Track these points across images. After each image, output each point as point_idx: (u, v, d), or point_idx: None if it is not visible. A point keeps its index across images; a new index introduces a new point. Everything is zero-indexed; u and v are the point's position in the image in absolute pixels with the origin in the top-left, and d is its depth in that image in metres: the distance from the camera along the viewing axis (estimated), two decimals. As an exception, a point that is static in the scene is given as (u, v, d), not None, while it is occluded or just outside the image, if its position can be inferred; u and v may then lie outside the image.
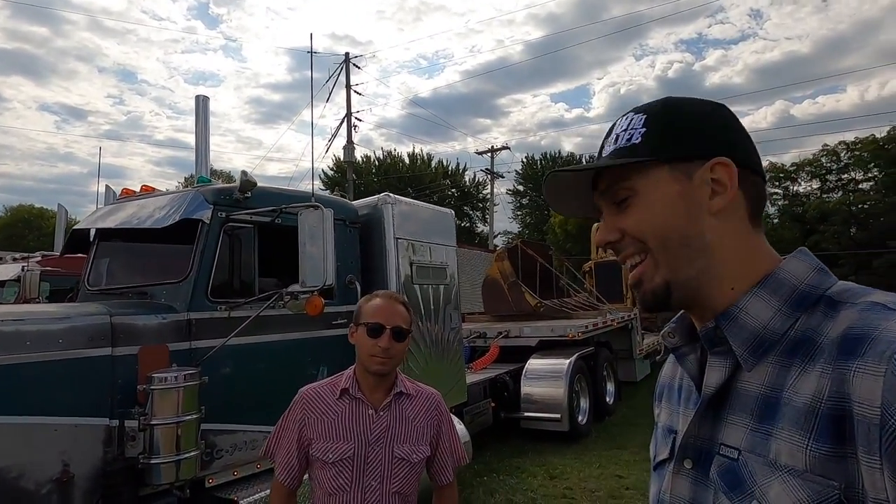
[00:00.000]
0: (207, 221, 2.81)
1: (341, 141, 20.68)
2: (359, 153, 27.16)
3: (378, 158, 35.91)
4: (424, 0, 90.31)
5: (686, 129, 0.63)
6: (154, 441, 2.29)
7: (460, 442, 1.60)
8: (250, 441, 2.77)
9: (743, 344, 0.59)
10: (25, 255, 10.03)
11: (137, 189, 3.43)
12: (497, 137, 77.77)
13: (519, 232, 39.55)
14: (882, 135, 27.49)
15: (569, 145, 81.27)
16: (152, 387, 2.31)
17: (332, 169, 32.77)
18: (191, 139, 3.75)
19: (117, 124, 76.61)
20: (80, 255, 3.79)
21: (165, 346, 2.55)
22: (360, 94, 22.53)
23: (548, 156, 41.31)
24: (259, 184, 3.02)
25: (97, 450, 2.28)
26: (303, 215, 2.68)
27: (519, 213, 41.74)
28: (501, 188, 38.63)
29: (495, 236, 31.70)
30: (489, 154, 28.18)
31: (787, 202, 30.07)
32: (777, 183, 30.08)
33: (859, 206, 26.85)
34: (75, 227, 3.50)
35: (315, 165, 4.22)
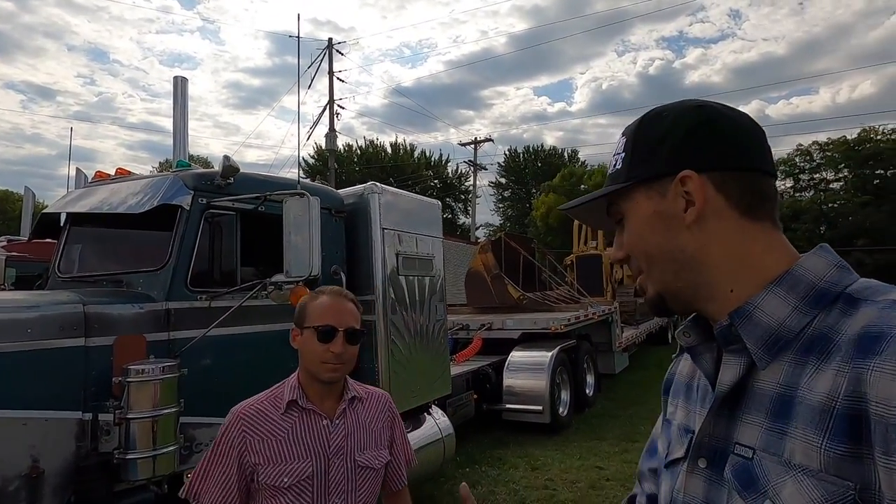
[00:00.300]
0: (187, 207, 2.70)
1: (323, 129, 20.31)
2: (341, 142, 26.78)
3: (360, 147, 35.51)
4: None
5: (651, 149, 0.64)
6: (130, 435, 2.20)
7: (409, 442, 1.51)
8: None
9: (757, 342, 0.58)
10: (-10, 239, 9.61)
11: (112, 172, 3.28)
12: (480, 129, 77.75)
13: (500, 224, 39.72)
14: (853, 136, 28.40)
15: (551, 139, 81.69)
16: (128, 379, 2.21)
17: (313, 157, 32.25)
18: (166, 123, 3.65)
19: (88, 105, 74.02)
20: (49, 240, 3.62)
21: (142, 336, 2.45)
22: (343, 82, 22.18)
23: (530, 149, 41.48)
24: (241, 170, 2.92)
25: (69, 444, 2.18)
26: (288, 203, 2.59)
27: (501, 205, 41.90)
28: (484, 180, 38.72)
29: (477, 228, 31.73)
30: (473, 146, 28.12)
31: (760, 200, 30.79)
32: (752, 181, 30.77)
33: (829, 205, 27.75)
34: (45, 210, 3.33)
35: (296, 154, 4.10)
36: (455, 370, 5.46)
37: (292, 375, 1.34)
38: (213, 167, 2.90)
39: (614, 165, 0.69)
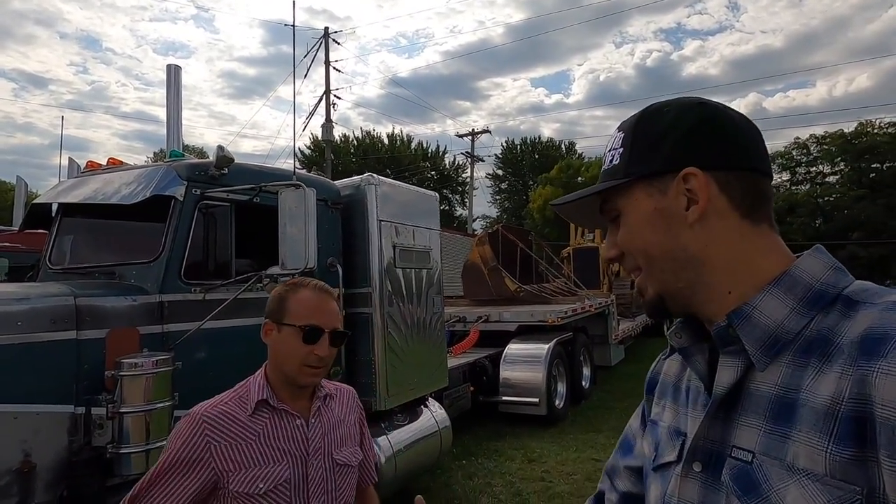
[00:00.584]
0: (181, 198, 2.65)
1: (319, 119, 20.15)
2: (337, 132, 26.59)
3: (357, 138, 35.31)
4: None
5: (653, 144, 0.63)
6: (123, 429, 2.17)
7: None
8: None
9: (756, 343, 0.57)
10: (-19, 229, 9.51)
11: (104, 162, 3.22)
12: (476, 121, 77.32)
13: (498, 216, 39.67)
14: (850, 130, 28.42)
15: (548, 131, 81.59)
16: (121, 373, 2.18)
17: (309, 148, 32.06)
18: (160, 113, 3.61)
19: (81, 94, 73.17)
20: (40, 230, 3.56)
21: (136, 329, 2.41)
22: (339, 72, 21.96)
23: (528, 140, 41.35)
24: (235, 160, 2.87)
25: (61, 439, 2.15)
26: (283, 194, 2.55)
27: (498, 197, 41.83)
28: (481, 172, 38.57)
29: (474, 220, 31.69)
30: (470, 137, 27.98)
31: (757, 193, 30.83)
32: (748, 174, 30.81)
33: (825, 198, 27.84)
34: (35, 201, 3.28)
35: (291, 144, 4.05)
36: (452, 362, 5.46)
37: (258, 373, 1.23)
38: (208, 157, 2.84)
39: (610, 161, 0.66)
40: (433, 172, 35.83)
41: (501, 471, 4.80)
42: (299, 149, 31.78)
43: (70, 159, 3.61)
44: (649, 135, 0.63)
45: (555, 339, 6.53)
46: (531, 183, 38.39)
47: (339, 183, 3.83)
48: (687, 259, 0.61)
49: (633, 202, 0.64)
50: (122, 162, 3.19)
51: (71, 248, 3.06)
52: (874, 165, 27.78)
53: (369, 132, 36.32)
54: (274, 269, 2.54)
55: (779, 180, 31.28)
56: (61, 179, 3.42)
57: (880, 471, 0.46)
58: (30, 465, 2.04)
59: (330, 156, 20.99)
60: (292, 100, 8.64)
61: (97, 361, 2.26)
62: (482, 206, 43.26)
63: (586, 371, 7.62)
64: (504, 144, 40.96)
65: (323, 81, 19.77)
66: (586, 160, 36.59)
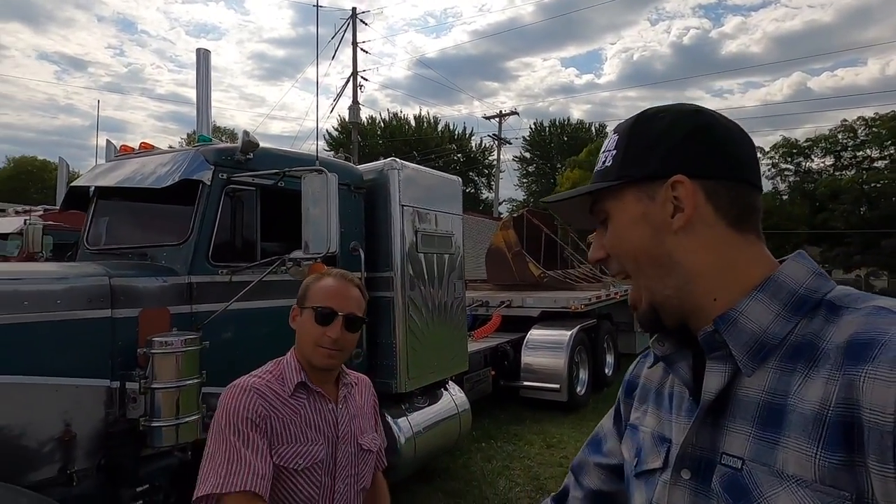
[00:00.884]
0: (208, 183, 2.72)
1: (346, 101, 20.17)
2: (364, 114, 26.61)
3: (384, 120, 35.26)
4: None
5: (645, 149, 0.63)
6: (155, 404, 2.28)
7: None
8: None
9: (742, 348, 0.57)
10: (27, 208, 10.00)
11: (136, 146, 3.32)
12: (504, 102, 76.20)
13: (524, 200, 39.23)
14: (903, 111, 26.70)
15: (578, 112, 79.61)
16: (153, 350, 2.28)
17: (336, 129, 32.22)
18: (193, 94, 3.61)
19: (118, 76, 75.14)
20: (79, 211, 3.72)
21: (166, 309, 2.51)
22: (366, 53, 21.88)
23: (556, 122, 40.47)
24: (262, 144, 2.91)
25: (99, 410, 2.27)
26: (307, 179, 2.58)
27: (525, 180, 41.28)
28: (508, 154, 38.13)
29: (500, 203, 31.42)
30: (497, 119, 27.57)
31: (798, 178, 29.53)
32: (789, 159, 29.47)
33: (872, 184, 26.37)
34: (73, 183, 3.41)
35: (319, 126, 4.08)
36: (473, 347, 5.49)
37: (287, 356, 1.29)
38: (238, 139, 2.90)
39: (603, 162, 0.67)
40: (459, 155, 35.57)
41: (520, 455, 4.85)
42: (327, 131, 32.02)
43: (108, 141, 3.73)
44: (643, 140, 0.64)
45: (578, 326, 6.48)
46: (559, 166, 37.68)
47: (362, 167, 3.85)
48: (671, 265, 0.62)
49: (621, 205, 0.65)
50: (153, 146, 3.28)
51: (106, 229, 3.18)
52: (928, 150, 26.13)
53: (396, 114, 36.12)
54: (297, 253, 2.58)
55: (822, 165, 29.84)
56: (99, 161, 3.55)
57: (869, 476, 0.46)
58: (70, 434, 2.17)
59: (357, 138, 21.07)
60: (315, 81, 8.68)
61: (130, 339, 2.37)
62: (508, 189, 42.86)
63: (609, 358, 7.56)
64: (532, 126, 40.26)
65: (350, 63, 19.74)
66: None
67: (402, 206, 3.71)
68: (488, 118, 28.14)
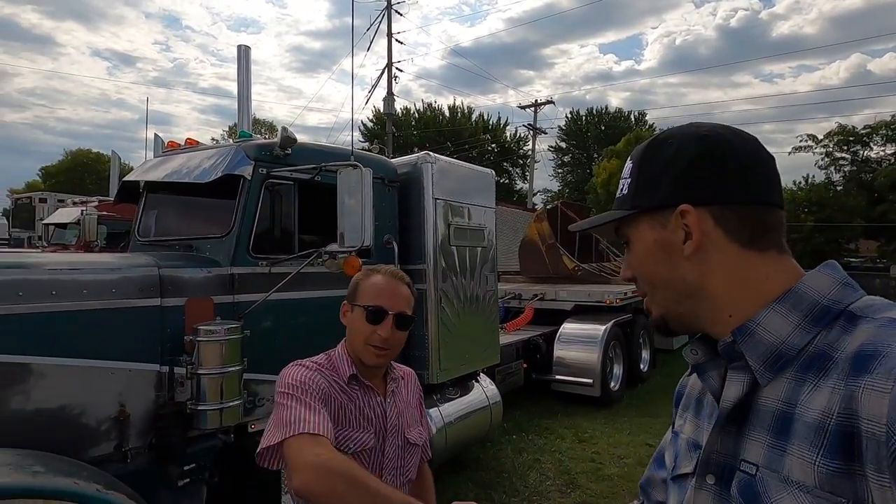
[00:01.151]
0: (249, 177, 2.82)
1: (381, 92, 20.31)
2: (398, 105, 26.73)
3: (418, 111, 35.31)
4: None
5: (653, 179, 0.66)
6: (201, 389, 2.41)
7: None
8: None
9: (759, 359, 0.59)
10: (84, 199, 10.63)
11: (182, 141, 3.47)
12: (539, 91, 74.85)
13: (559, 190, 38.61)
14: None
15: (616, 100, 77.32)
16: (198, 338, 2.40)
17: (371, 120, 32.51)
18: (234, 87, 3.73)
19: (164, 71, 78.19)
20: (131, 203, 3.93)
21: (210, 298, 2.64)
22: (401, 44, 21.92)
23: (593, 111, 39.50)
24: (299, 137, 2.99)
25: (150, 393, 2.42)
26: (342, 174, 2.64)
27: (560, 170, 40.58)
28: (543, 144, 37.53)
29: (535, 194, 31.05)
30: (532, 108, 27.16)
31: (854, 168, 27.77)
32: (845, 147, 27.72)
33: (938, 174, 24.52)
34: (124, 179, 3.60)
35: (354, 117, 4.14)
36: (505, 339, 5.50)
37: (339, 348, 1.31)
38: (277, 132, 2.99)
39: (621, 190, 0.71)
40: (494, 145, 35.23)
41: (551, 448, 4.84)
42: (362, 122, 32.34)
43: (155, 135, 3.92)
44: (651, 169, 0.67)
45: (612, 321, 6.38)
46: (596, 156, 36.83)
47: (395, 161, 3.90)
48: (686, 288, 0.65)
49: (638, 233, 0.69)
50: (197, 142, 3.42)
51: (155, 222, 3.35)
52: None
53: (430, 104, 36.09)
54: (332, 246, 2.65)
55: (882, 153, 27.94)
56: (148, 154, 3.74)
57: (868, 485, 0.47)
58: (125, 413, 2.32)
59: (391, 129, 21.21)
60: (352, 75, 8.78)
61: (178, 326, 2.50)
62: (543, 179, 42.26)
63: (645, 354, 7.41)
64: (568, 115, 39.43)
65: (385, 53, 19.83)
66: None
67: (436, 199, 3.73)
68: (523, 107, 27.77)
